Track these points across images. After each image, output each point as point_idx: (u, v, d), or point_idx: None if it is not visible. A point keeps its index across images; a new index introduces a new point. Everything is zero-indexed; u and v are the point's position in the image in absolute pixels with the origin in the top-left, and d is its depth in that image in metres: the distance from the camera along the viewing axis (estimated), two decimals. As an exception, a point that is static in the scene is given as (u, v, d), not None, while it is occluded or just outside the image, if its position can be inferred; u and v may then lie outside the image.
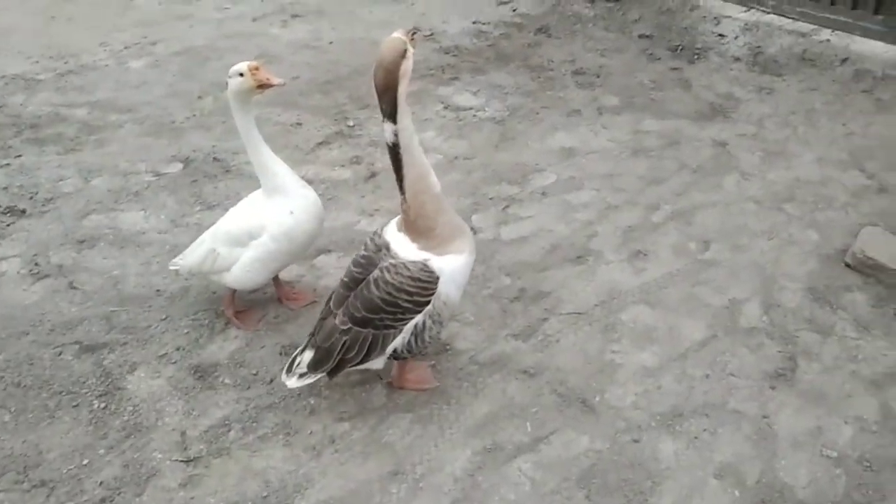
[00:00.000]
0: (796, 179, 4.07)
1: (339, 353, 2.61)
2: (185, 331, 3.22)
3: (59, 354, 3.10)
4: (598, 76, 5.13)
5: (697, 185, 4.06)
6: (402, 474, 2.63)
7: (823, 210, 3.84)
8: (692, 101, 4.82)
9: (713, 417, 2.80)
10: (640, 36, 5.66)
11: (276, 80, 2.84)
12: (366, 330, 2.58)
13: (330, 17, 6.28)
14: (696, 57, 5.35)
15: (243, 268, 3.04)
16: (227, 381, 3.00)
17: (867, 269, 3.38)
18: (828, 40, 5.40)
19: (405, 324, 2.60)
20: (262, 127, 4.52)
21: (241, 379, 3.00)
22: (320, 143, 4.53)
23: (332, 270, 3.55)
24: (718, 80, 5.05)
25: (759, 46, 5.43)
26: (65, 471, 2.64)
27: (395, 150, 2.43)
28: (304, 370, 2.68)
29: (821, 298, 3.32)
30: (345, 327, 2.60)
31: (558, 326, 3.21)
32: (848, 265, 3.45)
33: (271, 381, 2.98)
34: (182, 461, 2.69)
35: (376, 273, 2.58)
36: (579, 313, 3.27)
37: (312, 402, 2.90)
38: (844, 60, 5.17)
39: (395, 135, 2.39)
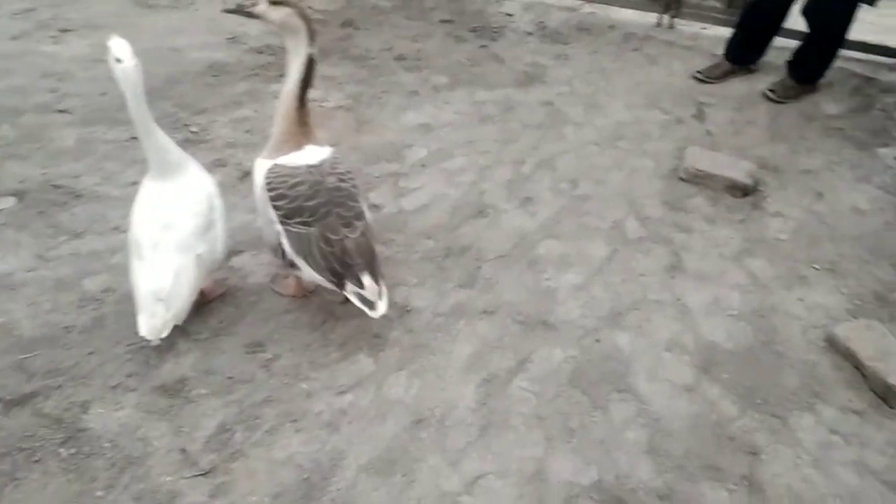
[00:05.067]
0: (618, 123, 5.04)
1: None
2: (127, 357, 3.05)
3: (-19, 418, 2.75)
4: (420, 59, 5.68)
5: (545, 138, 4.82)
6: (424, 420, 2.89)
7: (647, 142, 4.84)
8: (508, 72, 5.61)
9: (644, 309, 3.51)
10: (442, 21, 6.35)
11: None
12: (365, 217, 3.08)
13: (107, 30, 5.89)
14: (495, 34, 6.19)
15: (224, 240, 3.18)
16: (203, 391, 2.95)
17: (698, 179, 4.41)
18: (593, 12, 6.63)
19: None
20: (97, 147, 4.31)
21: (217, 386, 2.97)
22: (172, 154, 4.40)
23: (255, 268, 3.59)
24: (522, 53, 5.93)
25: (542, 21, 6.45)
26: (65, 525, 2.43)
27: (314, 64, 2.93)
28: (375, 286, 2.92)
29: (675, 207, 4.25)
30: (361, 229, 2.97)
31: (491, 270, 3.68)
32: (682, 179, 4.45)
33: (250, 380, 3.00)
34: (199, 475, 2.63)
35: (332, 178, 3.00)
36: (502, 256, 3.78)
37: (305, 386, 3.00)
38: (612, 27, 6.41)
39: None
